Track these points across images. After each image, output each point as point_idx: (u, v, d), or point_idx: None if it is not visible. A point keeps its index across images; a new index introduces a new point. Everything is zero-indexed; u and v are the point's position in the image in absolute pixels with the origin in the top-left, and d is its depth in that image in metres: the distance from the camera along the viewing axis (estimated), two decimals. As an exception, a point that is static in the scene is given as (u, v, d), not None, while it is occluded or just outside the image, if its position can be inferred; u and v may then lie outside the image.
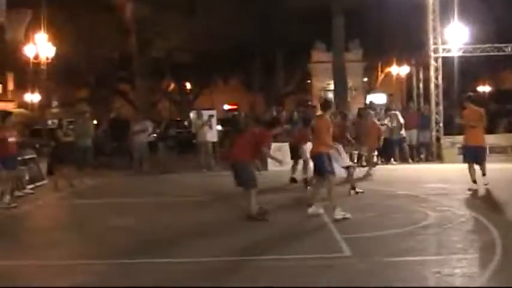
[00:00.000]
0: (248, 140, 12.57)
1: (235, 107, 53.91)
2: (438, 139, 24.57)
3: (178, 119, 41.19)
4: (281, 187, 17.44)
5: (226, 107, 56.95)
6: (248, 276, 8.41)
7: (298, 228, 11.41)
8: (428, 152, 24.85)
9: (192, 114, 27.05)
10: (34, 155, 20.26)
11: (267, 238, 10.69)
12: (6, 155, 15.19)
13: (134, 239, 10.98)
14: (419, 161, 24.35)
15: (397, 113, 24.40)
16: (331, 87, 37.23)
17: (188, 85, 50.86)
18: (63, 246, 10.76)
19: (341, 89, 33.57)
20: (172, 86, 50.20)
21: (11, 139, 15.56)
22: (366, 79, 49.91)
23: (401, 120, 23.93)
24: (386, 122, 23.87)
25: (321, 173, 12.40)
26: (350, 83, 37.47)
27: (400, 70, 44.64)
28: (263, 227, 11.57)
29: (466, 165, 15.40)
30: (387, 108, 25.58)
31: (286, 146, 19.51)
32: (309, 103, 37.29)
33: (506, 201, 13.64)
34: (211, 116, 23.95)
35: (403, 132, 23.98)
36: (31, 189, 18.23)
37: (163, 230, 11.73)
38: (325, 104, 13.20)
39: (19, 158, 18.20)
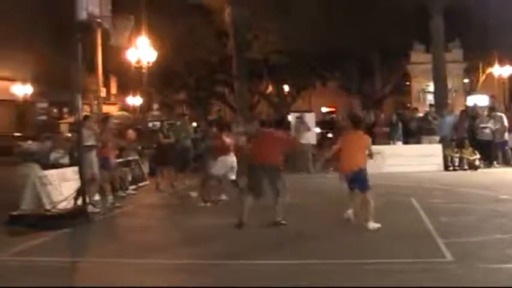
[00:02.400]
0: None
1: (333, 109, 53.72)
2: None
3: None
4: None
5: (324, 109, 56.80)
6: (353, 278, 8.41)
7: (399, 232, 11.27)
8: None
9: (289, 117, 27.00)
10: (136, 157, 20.83)
11: (371, 241, 10.64)
12: (106, 156, 15.62)
13: (234, 239, 11.13)
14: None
15: (502, 115, 23.69)
16: (431, 88, 36.55)
17: (286, 87, 50.97)
18: (164, 246, 11.04)
19: (441, 90, 32.87)
20: (270, 88, 50.44)
21: (110, 142, 16.03)
22: (466, 80, 48.77)
23: (506, 123, 23.22)
24: (489, 124, 23.24)
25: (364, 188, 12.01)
26: (450, 85, 36.65)
27: (502, 71, 43.39)
28: (363, 230, 11.49)
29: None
30: (491, 109, 24.84)
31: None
32: (408, 105, 36.87)
33: None
34: (300, 118, 23.95)
35: (506, 135, 23.30)
36: (133, 189, 18.74)
37: (258, 232, 11.83)
38: (358, 120, 13.20)
39: (122, 160, 18.82)
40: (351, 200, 12.37)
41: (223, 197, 15.58)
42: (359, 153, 12.15)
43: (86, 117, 15.16)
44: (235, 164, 15.49)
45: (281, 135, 12.87)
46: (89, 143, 14.28)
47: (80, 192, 13.70)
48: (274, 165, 12.21)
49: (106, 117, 17.03)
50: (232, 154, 15.55)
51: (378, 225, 11.37)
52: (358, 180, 11.97)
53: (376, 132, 23.78)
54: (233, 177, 15.44)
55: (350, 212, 12.32)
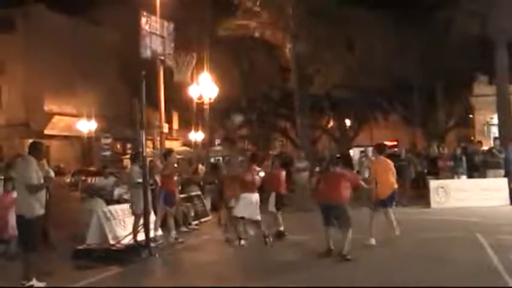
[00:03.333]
0: None
1: (395, 143, 53.30)
2: None
3: (338, 155, 41.14)
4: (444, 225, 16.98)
5: (385, 143, 56.37)
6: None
7: (464, 270, 11.07)
8: None
9: (352, 152, 26.93)
10: (199, 192, 20.97)
11: (438, 279, 10.47)
12: (168, 191, 15.73)
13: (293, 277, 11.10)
14: None
15: None
16: (495, 121, 35.93)
17: (348, 121, 50.85)
18: (220, 279, 11.12)
19: (505, 123, 32.30)
20: (331, 122, 50.38)
21: (173, 176, 16.14)
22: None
23: None
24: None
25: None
26: (515, 117, 35.95)
27: None
28: (429, 263, 11.32)
29: None
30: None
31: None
32: (472, 138, 36.32)
33: None
34: (363, 152, 23.84)
35: None
36: (196, 224, 18.83)
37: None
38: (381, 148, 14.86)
39: (184, 195, 18.97)
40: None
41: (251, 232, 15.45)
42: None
43: (136, 155, 15.29)
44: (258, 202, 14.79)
45: (347, 174, 13.12)
46: (139, 180, 14.38)
47: (139, 227, 13.92)
48: (339, 203, 12.63)
49: (168, 151, 17.18)
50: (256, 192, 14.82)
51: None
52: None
53: (440, 166, 23.49)
54: (258, 217, 14.68)
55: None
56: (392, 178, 14.14)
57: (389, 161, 14.39)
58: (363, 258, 12.31)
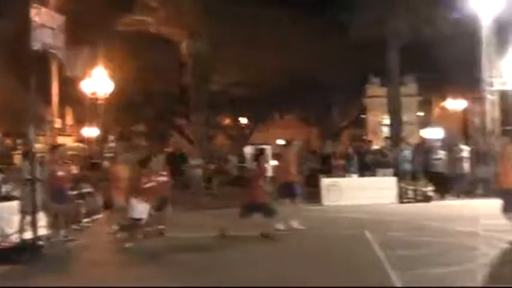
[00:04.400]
0: None
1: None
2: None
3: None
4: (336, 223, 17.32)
5: (280, 141, 56.93)
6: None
7: (351, 265, 11.29)
8: (487, 187, 24.36)
9: (246, 149, 27.12)
10: (91, 189, 20.58)
11: (320, 271, 10.65)
12: (57, 188, 15.37)
13: (186, 272, 11.06)
14: (476, 196, 23.90)
15: (463, 147, 24.09)
16: (386, 121, 36.98)
17: (244, 120, 51.10)
18: (110, 278, 10.97)
19: (396, 123, 33.32)
20: (228, 120, 50.52)
21: (62, 172, 15.73)
22: (421, 113, 49.46)
23: (466, 155, 23.59)
24: (442, 156, 23.70)
25: None
26: (405, 118, 37.10)
27: (455, 104, 44.13)
28: (315, 260, 11.53)
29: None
30: (448, 142, 25.29)
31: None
32: (364, 138, 37.22)
33: None
34: (262, 150, 24.00)
35: (465, 167, 23.70)
36: (87, 222, 18.48)
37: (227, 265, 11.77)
38: None
39: (76, 192, 18.55)
40: None
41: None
42: None
43: (26, 151, 14.85)
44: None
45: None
46: (29, 177, 13.95)
47: (25, 225, 13.53)
48: None
49: (54, 146, 16.73)
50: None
51: None
52: None
53: (333, 165, 23.96)
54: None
55: None
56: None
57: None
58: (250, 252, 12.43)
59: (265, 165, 23.19)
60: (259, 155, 16.45)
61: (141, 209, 14.25)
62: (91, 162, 28.77)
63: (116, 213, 16.31)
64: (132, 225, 14.48)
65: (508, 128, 24.91)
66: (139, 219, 14.35)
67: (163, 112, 44.92)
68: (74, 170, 20.78)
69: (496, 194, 12.94)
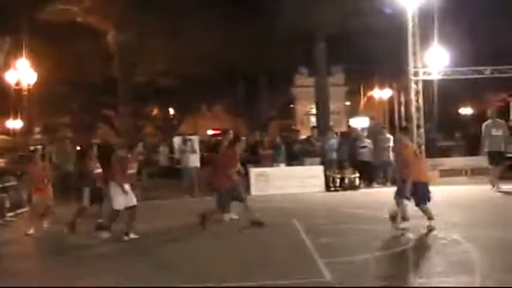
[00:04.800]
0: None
1: (218, 132, 53.96)
2: (420, 162, 24.55)
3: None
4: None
5: (209, 132, 56.95)
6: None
7: (279, 253, 11.35)
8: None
9: (175, 140, 26.96)
10: (15, 182, 20.13)
11: (246, 262, 10.67)
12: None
13: (107, 264, 10.95)
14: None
15: (389, 136, 24.46)
16: (314, 111, 37.36)
17: (172, 110, 50.88)
18: (33, 273, 10.86)
19: (323, 113, 33.70)
20: (156, 111, 50.19)
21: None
22: (348, 103, 50.16)
23: (391, 143, 23.97)
24: (367, 145, 24.06)
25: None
26: (332, 107, 37.60)
27: (382, 93, 44.90)
28: (243, 249, 11.57)
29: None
30: (374, 131, 25.70)
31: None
32: (293, 127, 37.50)
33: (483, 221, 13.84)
34: (189, 140, 23.94)
35: (390, 155, 24.09)
36: (11, 216, 18.09)
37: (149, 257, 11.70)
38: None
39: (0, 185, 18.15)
40: None
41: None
42: None
43: None
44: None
45: None
46: None
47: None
48: None
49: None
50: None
51: None
52: None
53: (261, 154, 24.02)
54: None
55: None
56: None
57: None
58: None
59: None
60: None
61: (122, 199, 13.63)
62: (17, 155, 28.20)
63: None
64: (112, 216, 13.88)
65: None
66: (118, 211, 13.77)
67: (89, 103, 44.30)
68: (-1, 163, 20.38)
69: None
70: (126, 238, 13.21)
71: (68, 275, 10.35)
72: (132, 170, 14.23)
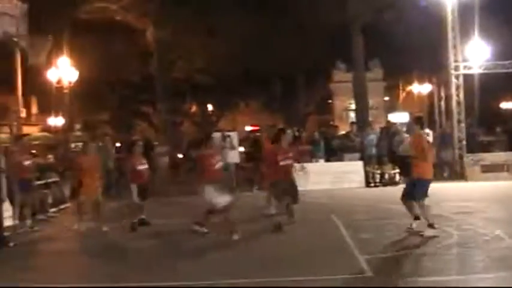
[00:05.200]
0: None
1: (257, 128, 54.04)
2: (461, 157, 24.34)
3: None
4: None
5: (247, 128, 57.07)
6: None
7: (319, 249, 11.35)
8: (451, 171, 24.65)
9: (214, 136, 27.04)
10: (57, 178, 20.40)
11: (289, 257, 10.67)
12: (22, 178, 15.24)
13: (151, 261, 11.02)
14: (442, 179, 24.16)
15: (429, 131, 24.26)
16: (353, 106, 37.18)
17: (210, 107, 51.06)
18: (75, 270, 10.96)
19: (362, 108, 33.50)
20: (194, 108, 50.41)
21: (27, 162, 15.63)
22: (387, 98, 49.85)
23: (430, 139, 23.77)
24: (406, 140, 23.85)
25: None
26: (371, 103, 37.38)
27: (421, 88, 44.53)
28: (284, 246, 11.59)
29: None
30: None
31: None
32: (331, 123, 37.38)
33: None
34: (228, 137, 23.99)
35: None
36: (54, 212, 18.34)
37: (184, 252, 11.78)
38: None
39: (42, 182, 18.38)
40: None
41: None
42: None
43: None
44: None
45: None
46: None
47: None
48: None
49: (19, 136, 16.61)
50: None
51: None
52: None
53: (299, 150, 23.99)
54: None
55: None
56: None
57: None
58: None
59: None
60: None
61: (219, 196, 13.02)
62: (57, 152, 28.57)
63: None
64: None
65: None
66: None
67: (128, 100, 44.70)
68: (40, 159, 20.64)
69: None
70: (235, 237, 12.46)
71: (111, 273, 10.42)
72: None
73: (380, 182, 22.92)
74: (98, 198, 15.06)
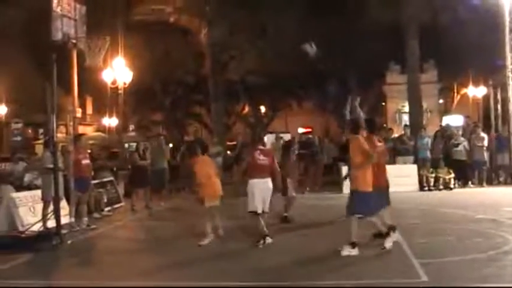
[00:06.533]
0: None
1: (309, 130, 53.95)
2: (517, 161, 23.91)
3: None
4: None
5: (300, 130, 56.98)
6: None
7: (374, 253, 11.25)
8: (508, 175, 24.24)
9: (267, 137, 27.07)
10: (111, 178, 20.70)
11: (344, 262, 10.61)
12: (79, 176, 15.50)
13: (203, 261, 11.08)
14: (499, 184, 23.80)
15: (484, 135, 23.93)
16: (406, 109, 36.73)
17: (263, 108, 51.09)
18: (132, 267, 11.03)
19: (416, 111, 33.07)
20: (246, 109, 50.50)
21: (85, 161, 15.90)
22: (441, 101, 49.14)
23: (486, 143, 23.45)
24: (463, 144, 23.51)
25: None
26: (425, 105, 36.84)
27: (476, 91, 43.83)
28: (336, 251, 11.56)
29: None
30: (469, 130, 25.13)
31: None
32: (384, 126, 37.00)
33: None
34: (281, 138, 24.08)
35: (485, 155, 23.53)
36: (109, 211, 18.60)
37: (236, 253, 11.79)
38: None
39: (97, 181, 18.68)
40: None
41: None
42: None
43: (49, 140, 14.88)
44: None
45: None
46: (49, 165, 13.97)
47: (50, 214, 13.61)
48: None
49: (77, 136, 16.91)
50: None
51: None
52: None
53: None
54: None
55: None
56: None
57: None
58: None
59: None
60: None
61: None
62: (111, 151, 28.97)
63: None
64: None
65: None
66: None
67: (181, 101, 45.06)
68: (95, 159, 20.94)
69: None
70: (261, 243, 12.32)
71: (169, 275, 10.52)
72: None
73: (434, 186, 22.66)
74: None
